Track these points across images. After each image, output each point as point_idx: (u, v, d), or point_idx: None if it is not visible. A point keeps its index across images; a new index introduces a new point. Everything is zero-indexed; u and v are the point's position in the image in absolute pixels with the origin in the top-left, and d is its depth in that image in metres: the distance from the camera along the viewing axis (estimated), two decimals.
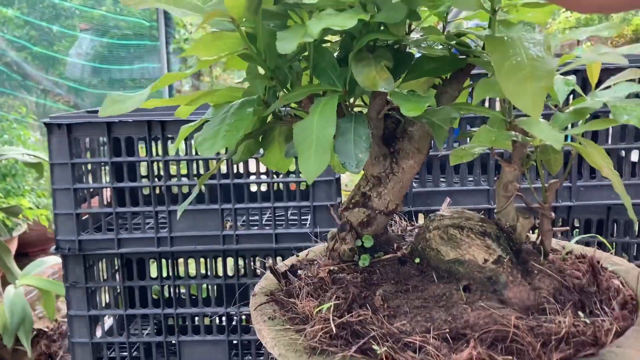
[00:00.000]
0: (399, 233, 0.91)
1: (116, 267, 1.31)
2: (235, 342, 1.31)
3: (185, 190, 1.43)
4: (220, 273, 1.29)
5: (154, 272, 1.28)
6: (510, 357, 0.59)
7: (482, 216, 0.77)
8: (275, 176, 1.25)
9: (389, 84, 0.62)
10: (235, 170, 1.28)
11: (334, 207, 0.84)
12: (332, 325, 0.64)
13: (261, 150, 0.82)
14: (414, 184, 1.24)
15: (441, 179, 1.27)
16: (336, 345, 0.64)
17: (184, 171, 1.26)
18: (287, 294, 0.77)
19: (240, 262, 1.29)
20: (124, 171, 1.24)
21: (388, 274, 0.76)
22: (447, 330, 0.64)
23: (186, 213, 1.24)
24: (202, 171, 1.31)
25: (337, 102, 0.63)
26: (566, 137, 0.75)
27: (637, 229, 1.23)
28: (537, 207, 0.77)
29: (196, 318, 1.37)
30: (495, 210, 0.75)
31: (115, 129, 1.22)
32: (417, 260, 0.77)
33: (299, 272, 0.82)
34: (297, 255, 0.91)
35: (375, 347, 0.62)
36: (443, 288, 0.71)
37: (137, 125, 1.21)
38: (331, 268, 0.78)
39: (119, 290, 1.32)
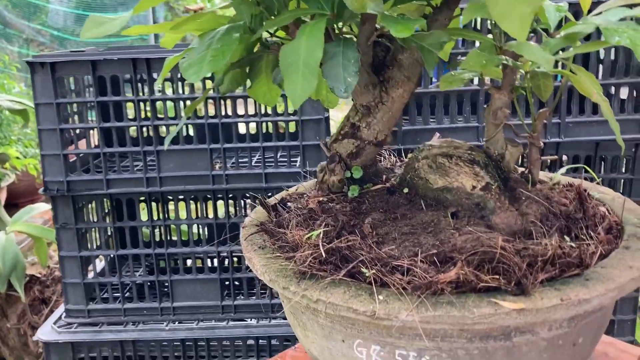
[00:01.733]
0: (388, 166, 0.91)
1: (106, 209, 1.31)
2: (227, 281, 1.33)
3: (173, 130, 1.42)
4: (211, 213, 1.29)
5: (144, 214, 1.28)
6: (497, 277, 0.60)
7: (471, 145, 0.76)
8: (264, 116, 1.24)
9: (378, 6, 0.60)
10: (223, 111, 1.27)
11: (323, 141, 0.84)
12: (322, 250, 0.65)
13: (249, 83, 0.81)
14: (404, 123, 1.24)
15: (431, 119, 1.26)
16: (325, 269, 0.65)
17: (172, 113, 1.24)
18: (277, 225, 0.77)
19: (231, 202, 1.29)
20: (111, 111, 1.23)
21: (377, 203, 0.77)
22: (435, 253, 0.64)
23: (174, 153, 1.23)
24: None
25: (325, 26, 0.61)
26: (556, 65, 0.75)
27: (624, 165, 1.24)
28: (526, 136, 0.77)
29: (188, 260, 1.39)
30: (484, 139, 0.75)
31: (101, 68, 1.19)
32: (406, 190, 0.77)
33: (289, 204, 0.82)
34: (287, 190, 0.91)
35: (364, 270, 0.63)
36: (431, 215, 0.72)
37: (122, 63, 1.18)
38: (320, 199, 0.78)
39: (109, 232, 1.32)
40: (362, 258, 0.64)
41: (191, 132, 1.22)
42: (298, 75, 0.59)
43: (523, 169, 0.81)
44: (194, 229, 1.34)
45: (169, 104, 1.30)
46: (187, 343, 1.29)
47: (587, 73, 0.71)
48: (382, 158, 0.97)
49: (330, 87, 0.60)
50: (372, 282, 0.62)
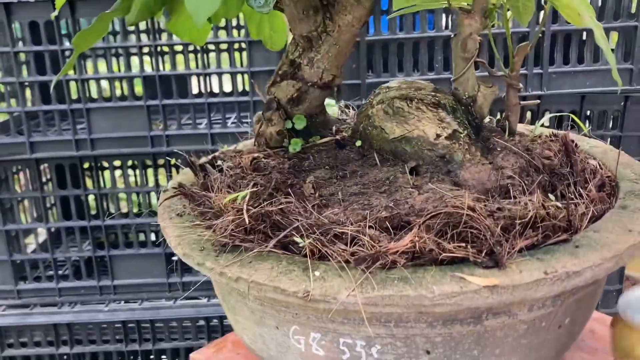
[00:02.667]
0: (343, 118, 0.77)
1: (34, 176, 1.15)
2: (173, 256, 1.19)
3: (105, 87, 1.25)
4: (152, 180, 1.15)
5: (76, 181, 1.13)
6: (464, 245, 0.47)
7: (436, 87, 0.63)
8: (207, 67, 1.08)
9: None
10: (161, 65, 1.11)
11: (258, 83, 0.70)
12: (245, 216, 0.51)
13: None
14: (368, 75, 1.09)
15: (399, 71, 1.12)
16: (252, 240, 0.52)
17: (102, 67, 1.09)
18: (202, 188, 0.64)
19: (174, 167, 1.14)
20: (31, 64, 1.07)
21: (323, 159, 0.63)
22: (388, 217, 0.51)
23: (107, 111, 1.08)
24: (121, 64, 1.14)
25: None
26: None
27: (611, 121, 1.12)
28: (503, 76, 0.64)
29: (129, 234, 1.24)
30: (452, 78, 0.62)
31: (17, 11, 1.03)
32: (359, 142, 0.64)
33: (220, 163, 0.68)
34: (223, 147, 0.77)
35: (297, 239, 0.50)
36: (386, 172, 0.58)
37: (43, 7, 1.02)
38: (255, 155, 0.65)
39: (43, 203, 1.17)
40: (298, 224, 0.51)
41: (124, 84, 1.07)
42: None
43: (498, 117, 0.68)
44: (133, 197, 1.19)
45: (98, 54, 1.14)
46: (129, 325, 1.15)
47: None
48: (339, 112, 0.83)
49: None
50: (308, 254, 0.49)
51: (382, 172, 0.59)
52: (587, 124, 1.14)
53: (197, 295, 1.18)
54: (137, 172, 1.17)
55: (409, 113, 0.59)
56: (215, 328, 1.16)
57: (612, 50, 1.10)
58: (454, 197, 0.51)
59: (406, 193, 0.54)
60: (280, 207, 0.53)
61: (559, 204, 0.53)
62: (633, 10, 1.06)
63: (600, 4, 1.04)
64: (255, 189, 0.55)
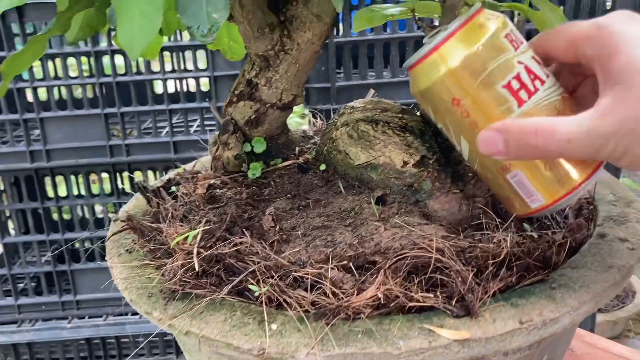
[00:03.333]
0: (309, 134, 0.73)
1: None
2: None
3: (58, 94, 1.19)
4: (112, 189, 1.09)
5: (33, 193, 1.07)
6: (434, 291, 0.43)
7: (404, 107, 0.59)
8: (169, 72, 1.03)
9: None
10: (119, 69, 1.05)
11: (214, 103, 0.66)
12: (195, 261, 0.47)
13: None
14: (338, 77, 1.05)
15: (369, 72, 1.08)
16: (204, 285, 0.47)
17: (54, 72, 1.03)
18: (154, 219, 0.59)
19: (137, 175, 1.09)
20: None
21: (284, 186, 0.59)
22: (353, 257, 0.47)
23: (62, 121, 1.02)
24: (84, 68, 1.07)
25: None
26: None
27: None
28: None
29: (87, 243, 1.19)
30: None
31: None
32: (323, 166, 0.59)
33: (174, 188, 0.63)
34: (181, 167, 0.72)
35: (253, 286, 0.46)
36: (352, 201, 0.54)
37: None
38: (212, 182, 0.60)
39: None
40: (254, 268, 0.47)
41: (80, 92, 1.01)
42: (134, 11, 0.39)
43: None
44: (97, 208, 1.14)
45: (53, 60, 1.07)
46: (93, 341, 1.11)
47: (551, 6, 0.53)
48: (309, 121, 0.79)
49: (187, 27, 0.41)
50: (265, 303, 0.45)
51: (347, 201, 0.55)
52: None
53: None
54: (97, 183, 1.12)
55: (375, 137, 0.55)
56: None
57: None
58: (422, 237, 0.47)
59: (372, 228, 0.50)
60: (235, 248, 0.48)
61: (534, 234, 0.50)
62: (608, 6, 1.03)
63: (575, 1, 1.01)
64: (208, 227, 0.51)
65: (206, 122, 1.05)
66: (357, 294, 0.44)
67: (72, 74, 1.09)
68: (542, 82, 0.43)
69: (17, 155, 1.03)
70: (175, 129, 1.04)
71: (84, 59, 1.03)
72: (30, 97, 1.04)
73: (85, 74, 1.02)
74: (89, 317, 1.12)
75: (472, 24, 0.43)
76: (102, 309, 1.12)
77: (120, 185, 1.10)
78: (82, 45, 1.00)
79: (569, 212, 0.55)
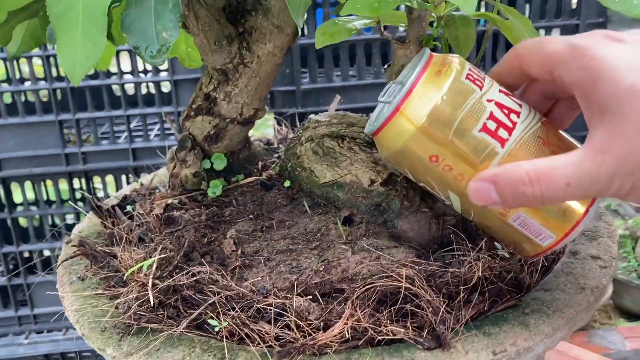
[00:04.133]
0: (274, 145, 0.70)
1: None
2: None
3: (7, 99, 1.13)
4: (69, 199, 1.05)
5: None
6: (404, 325, 0.41)
7: None
8: (124, 75, 0.98)
9: None
10: None
11: (169, 116, 0.62)
12: (150, 294, 0.44)
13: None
14: (303, 80, 1.02)
15: (335, 73, 1.06)
16: (160, 318, 0.44)
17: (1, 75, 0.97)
18: (108, 241, 0.56)
19: (95, 183, 1.05)
20: None
21: (247, 205, 0.56)
22: (319, 284, 0.45)
23: (14, 128, 0.96)
24: (35, 71, 1.02)
25: None
26: (479, 6, 0.55)
27: None
28: None
29: (45, 253, 1.14)
30: None
31: None
32: (287, 183, 0.57)
33: (129, 207, 0.60)
34: (137, 182, 0.68)
35: (212, 321, 0.43)
36: (318, 221, 0.52)
37: None
38: (169, 201, 0.57)
39: None
40: (214, 299, 0.44)
41: (31, 97, 0.95)
42: (76, 30, 0.36)
43: None
44: (50, 220, 1.09)
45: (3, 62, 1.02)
46: (53, 357, 1.06)
47: (520, 17, 0.52)
48: (275, 128, 0.76)
49: (135, 47, 0.37)
50: (225, 337, 0.42)
51: (313, 221, 0.52)
52: None
53: None
54: (53, 190, 1.07)
55: (341, 154, 0.52)
56: None
57: None
58: (391, 262, 0.45)
59: (339, 252, 0.48)
60: (194, 278, 0.45)
61: (505, 254, 0.48)
62: (574, 6, 1.02)
63: (541, 1, 1.00)
64: (164, 255, 0.48)
65: (166, 127, 1.01)
66: (324, 329, 0.41)
67: (24, 76, 1.03)
68: (517, 114, 0.40)
69: None
70: (134, 135, 0.99)
71: (35, 60, 0.98)
72: None
73: (38, 77, 0.97)
74: (48, 332, 1.07)
75: (429, 73, 0.39)
76: (61, 322, 1.07)
77: (77, 195, 1.06)
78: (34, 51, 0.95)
79: None
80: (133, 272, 0.46)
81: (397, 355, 0.40)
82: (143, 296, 0.45)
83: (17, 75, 0.98)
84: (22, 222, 1.12)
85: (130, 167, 0.99)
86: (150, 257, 0.49)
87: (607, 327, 1.67)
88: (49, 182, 1.04)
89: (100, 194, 1.07)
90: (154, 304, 0.44)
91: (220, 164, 0.57)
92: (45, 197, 1.06)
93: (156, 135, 1.03)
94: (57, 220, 1.07)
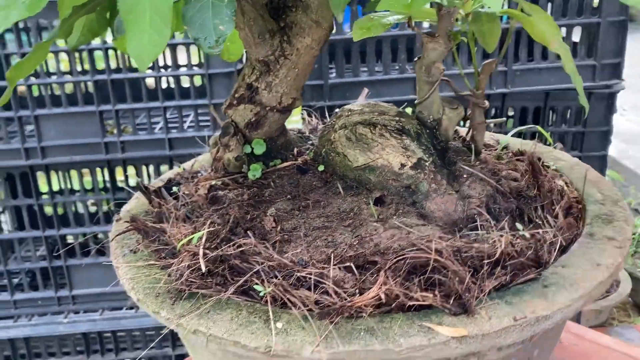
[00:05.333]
0: (305, 134, 0.74)
1: None
2: None
3: (56, 90, 1.19)
4: (108, 186, 1.10)
5: (28, 190, 1.08)
6: (432, 291, 0.45)
7: (400, 110, 0.61)
8: (163, 69, 1.04)
9: None
10: (115, 64, 1.06)
11: (214, 105, 0.66)
12: (202, 262, 0.48)
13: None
14: (331, 75, 1.06)
15: (362, 68, 1.10)
16: (209, 285, 0.49)
17: (53, 67, 1.03)
18: (157, 219, 0.60)
19: (132, 173, 1.10)
20: None
21: (284, 187, 0.61)
22: (353, 257, 0.49)
23: (57, 118, 1.02)
24: (85, 66, 1.08)
25: None
26: (503, 5, 0.59)
27: (574, 117, 1.12)
28: (468, 95, 0.62)
29: (86, 240, 1.20)
30: (416, 101, 0.59)
31: None
32: (321, 167, 0.61)
33: (175, 188, 0.65)
34: (180, 167, 0.73)
35: (258, 287, 0.47)
36: (350, 202, 0.56)
37: None
38: (213, 182, 0.61)
39: None
40: (258, 268, 0.49)
41: (73, 88, 1.01)
42: (144, 22, 0.40)
43: (464, 135, 0.66)
44: (90, 204, 1.15)
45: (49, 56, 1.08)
46: (90, 336, 1.12)
47: (543, 14, 0.55)
48: (302, 120, 0.80)
49: (194, 38, 0.42)
50: (270, 302, 0.47)
51: (346, 202, 0.56)
52: (551, 120, 1.14)
53: None
54: (92, 178, 1.12)
55: (373, 140, 0.56)
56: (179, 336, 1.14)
57: (575, 44, 1.09)
58: (421, 238, 0.49)
59: (371, 229, 0.52)
60: (240, 249, 0.50)
61: (527, 234, 0.52)
62: (595, 4, 1.05)
63: (562, 0, 1.03)
64: (212, 228, 0.52)
65: (200, 119, 1.06)
66: (360, 294, 0.46)
67: (66, 70, 1.09)
68: None
69: (12, 152, 1.03)
70: (170, 126, 1.05)
71: (78, 55, 1.03)
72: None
73: (80, 70, 1.02)
74: (85, 312, 1.13)
75: None
76: (98, 303, 1.13)
77: (116, 182, 1.11)
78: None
79: (559, 211, 0.57)
80: (184, 244, 0.51)
81: (426, 320, 0.44)
82: (194, 264, 0.49)
83: (64, 68, 1.03)
84: (63, 207, 1.18)
85: (166, 156, 1.04)
86: (198, 230, 0.54)
87: (626, 324, 1.68)
88: (88, 171, 1.10)
89: (136, 181, 1.12)
90: (204, 272, 0.49)
91: (259, 148, 0.62)
92: (84, 185, 1.12)
93: (190, 126, 1.08)
94: (98, 206, 1.13)
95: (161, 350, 1.14)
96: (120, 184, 1.14)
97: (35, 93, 1.05)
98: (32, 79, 1.01)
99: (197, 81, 1.11)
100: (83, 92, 1.05)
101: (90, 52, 1.00)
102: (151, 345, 1.14)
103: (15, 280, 1.17)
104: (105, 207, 1.10)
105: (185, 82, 1.12)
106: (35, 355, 1.13)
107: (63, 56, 1.06)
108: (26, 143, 1.03)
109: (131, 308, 1.14)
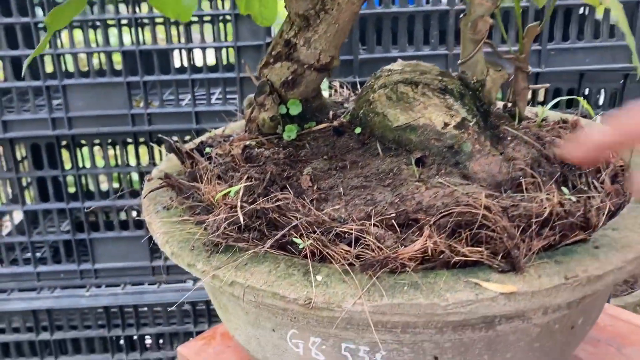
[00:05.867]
0: (339, 100, 0.73)
1: (8, 156, 1.09)
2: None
3: (83, 62, 1.19)
4: (133, 160, 1.10)
5: (53, 161, 1.08)
6: (480, 249, 0.43)
7: (443, 70, 0.59)
8: (191, 42, 1.03)
9: None
10: (141, 38, 1.05)
11: (245, 59, 0.65)
12: (240, 214, 0.47)
13: None
14: (361, 50, 1.05)
15: (392, 46, 1.08)
16: (246, 239, 0.48)
17: (78, 38, 1.02)
18: (190, 178, 0.59)
19: (156, 147, 1.09)
20: (1, 37, 1.00)
21: (320, 148, 0.59)
22: (394, 215, 0.48)
23: (85, 88, 1.02)
24: (99, 37, 1.07)
25: None
26: None
27: (607, 99, 1.09)
28: (511, 58, 0.60)
29: (110, 215, 1.20)
30: (459, 61, 0.58)
31: None
32: (358, 130, 0.60)
33: (209, 149, 0.63)
34: (211, 131, 0.72)
35: (297, 240, 0.46)
36: (390, 163, 0.54)
37: None
38: (247, 143, 0.60)
39: (18, 184, 1.11)
40: (296, 223, 0.47)
41: (103, 59, 1.00)
42: None
43: (505, 102, 0.64)
44: (114, 178, 1.14)
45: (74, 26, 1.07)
46: (112, 310, 1.12)
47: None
48: (332, 92, 0.79)
49: None
50: (309, 255, 0.45)
51: (385, 162, 0.55)
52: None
53: (182, 278, 1.14)
54: (118, 151, 1.12)
55: (414, 99, 0.55)
56: (202, 312, 1.13)
57: (613, 27, 1.07)
58: (466, 194, 0.47)
59: (412, 187, 0.50)
60: (277, 203, 0.48)
61: (573, 198, 0.50)
62: None
63: None
64: (249, 183, 0.51)
65: (228, 95, 1.05)
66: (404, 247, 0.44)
67: (93, 44, 1.08)
68: None
69: (38, 122, 1.03)
70: (197, 100, 1.04)
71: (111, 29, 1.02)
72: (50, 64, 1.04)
73: (113, 43, 1.02)
74: (107, 286, 1.12)
75: None
76: (120, 278, 1.12)
77: (141, 155, 1.10)
78: (110, 14, 1.00)
79: (605, 178, 0.55)
80: (221, 197, 0.50)
81: (472, 276, 0.42)
82: (231, 217, 0.48)
83: (91, 40, 1.03)
84: (88, 179, 1.17)
85: (193, 129, 1.03)
86: (235, 187, 0.52)
87: None
88: (114, 142, 1.09)
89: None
90: (241, 225, 0.48)
91: (295, 109, 0.60)
92: (111, 156, 1.11)
93: (217, 99, 1.07)
94: (122, 179, 1.12)
95: (183, 326, 1.13)
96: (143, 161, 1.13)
97: (65, 63, 1.04)
98: (61, 49, 1.01)
99: (225, 54, 1.10)
100: (112, 65, 1.04)
101: (119, 22, 0.99)
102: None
103: (38, 254, 1.17)
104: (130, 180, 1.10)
105: (212, 57, 1.10)
106: (57, 328, 1.13)
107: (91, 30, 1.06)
108: (53, 113, 1.03)
109: (153, 283, 1.13)
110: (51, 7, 0.99)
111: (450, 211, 0.45)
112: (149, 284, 1.13)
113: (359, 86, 0.86)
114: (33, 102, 1.03)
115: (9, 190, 1.21)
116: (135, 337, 1.15)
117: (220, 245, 0.47)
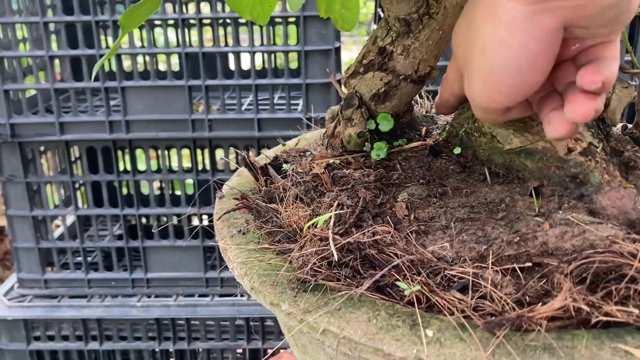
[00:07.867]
0: (425, 114, 0.66)
1: (63, 159, 1.06)
2: (211, 249, 1.10)
3: (140, 64, 1.15)
4: (191, 167, 1.05)
5: (109, 165, 1.04)
6: (629, 309, 0.36)
7: None
8: (257, 46, 0.97)
9: None
10: (206, 39, 1.00)
11: (334, 74, 0.59)
12: (333, 249, 0.41)
13: None
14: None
15: None
16: (337, 276, 0.41)
17: (139, 42, 0.98)
18: (266, 198, 0.53)
19: (216, 153, 1.04)
20: (61, 35, 0.96)
21: (414, 170, 0.52)
22: (514, 256, 0.40)
23: (144, 91, 0.97)
24: (160, 38, 1.03)
25: None
26: None
27: None
28: (637, 73, 0.52)
29: (164, 219, 1.16)
30: None
31: None
32: (458, 150, 0.52)
33: (285, 166, 0.57)
34: (284, 144, 0.66)
35: (401, 284, 0.39)
36: (500, 192, 0.47)
37: None
38: (330, 161, 0.54)
39: (72, 187, 1.08)
40: (397, 262, 0.40)
41: (164, 61, 0.96)
42: None
43: (624, 123, 0.56)
44: (172, 184, 1.10)
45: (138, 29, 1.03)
46: (163, 322, 1.07)
47: None
48: (414, 102, 0.71)
49: None
50: (415, 302, 0.38)
51: (494, 191, 0.47)
52: None
53: (236, 292, 1.09)
54: (176, 157, 1.07)
55: (531, 119, 0.47)
56: (256, 329, 1.08)
57: None
58: (602, 237, 0.39)
59: (533, 223, 0.43)
60: (375, 238, 0.42)
61: None
62: None
63: None
64: (340, 211, 0.44)
65: (292, 101, 0.99)
66: (528, 304, 0.37)
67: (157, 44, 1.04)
68: None
69: (95, 125, 0.99)
70: (260, 106, 0.98)
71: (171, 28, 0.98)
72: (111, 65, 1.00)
73: (172, 45, 0.97)
74: (156, 297, 1.08)
75: None
76: (172, 288, 1.08)
77: (200, 162, 1.06)
78: (170, 13, 0.96)
79: None
80: (309, 226, 0.43)
81: (619, 341, 0.35)
82: (322, 251, 0.41)
83: (152, 41, 0.99)
84: (144, 185, 1.13)
85: (254, 137, 0.97)
86: (317, 213, 0.46)
87: None
88: (172, 148, 1.05)
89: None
90: (333, 261, 0.41)
91: (386, 125, 0.54)
92: (167, 164, 1.07)
93: (278, 105, 1.01)
94: (179, 186, 1.07)
95: (235, 342, 1.07)
96: (206, 166, 1.08)
97: (124, 65, 1.00)
98: (121, 50, 0.97)
99: (294, 63, 1.04)
100: (173, 68, 0.99)
101: (184, 22, 0.94)
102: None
103: (89, 259, 1.14)
104: (187, 188, 1.05)
105: (277, 61, 1.05)
106: (106, 338, 1.09)
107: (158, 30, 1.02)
108: (111, 116, 0.99)
109: (205, 295, 1.08)
110: (113, 6, 0.95)
111: (590, 259, 0.37)
112: (199, 296, 1.08)
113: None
114: (91, 103, 0.99)
115: (62, 192, 1.18)
116: (187, 351, 1.10)
117: (308, 283, 0.41)
